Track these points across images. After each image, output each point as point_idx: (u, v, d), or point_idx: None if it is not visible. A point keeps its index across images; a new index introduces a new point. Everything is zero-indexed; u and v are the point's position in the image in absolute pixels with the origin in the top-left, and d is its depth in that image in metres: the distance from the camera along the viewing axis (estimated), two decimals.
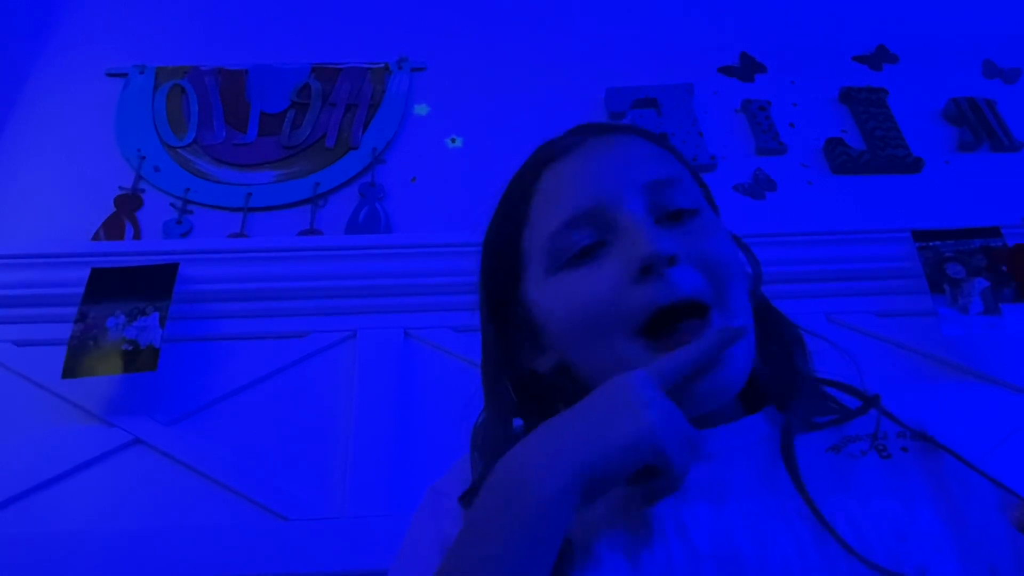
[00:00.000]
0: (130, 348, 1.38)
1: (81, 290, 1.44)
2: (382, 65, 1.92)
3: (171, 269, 1.46)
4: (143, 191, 1.72)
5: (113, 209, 1.68)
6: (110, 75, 1.90)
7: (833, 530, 0.49)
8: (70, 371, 1.36)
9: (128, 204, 1.69)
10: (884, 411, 0.59)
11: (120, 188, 1.71)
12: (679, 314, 0.55)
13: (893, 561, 0.48)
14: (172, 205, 1.70)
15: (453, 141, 1.81)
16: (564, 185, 0.62)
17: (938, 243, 1.52)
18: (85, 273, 1.46)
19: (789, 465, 0.54)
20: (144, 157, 1.76)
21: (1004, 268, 1.48)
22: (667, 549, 0.50)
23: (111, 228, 1.64)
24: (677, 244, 0.56)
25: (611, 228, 0.58)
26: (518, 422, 0.62)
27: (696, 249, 0.57)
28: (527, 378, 0.63)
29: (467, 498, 0.57)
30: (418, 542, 0.60)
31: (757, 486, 0.54)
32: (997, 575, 0.52)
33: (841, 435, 0.58)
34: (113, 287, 1.45)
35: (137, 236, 1.64)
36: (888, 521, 0.51)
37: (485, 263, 0.68)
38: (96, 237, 1.62)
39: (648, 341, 0.56)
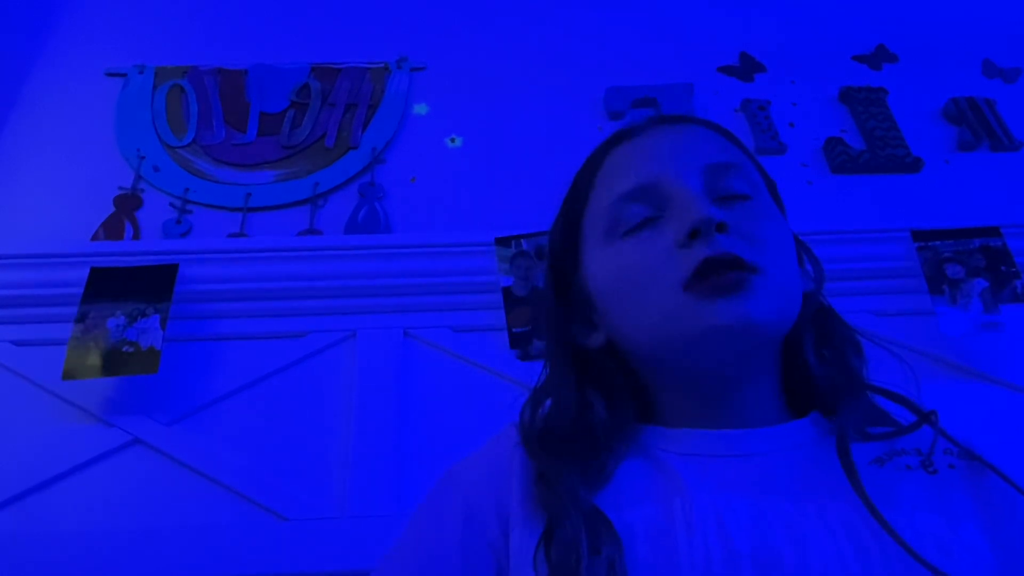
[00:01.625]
0: (131, 350, 1.38)
1: (81, 290, 1.44)
2: (381, 65, 1.92)
3: (171, 270, 1.46)
4: (142, 191, 1.72)
5: (113, 209, 1.68)
6: (109, 75, 1.90)
7: (893, 530, 0.49)
8: (71, 373, 1.36)
9: (128, 204, 1.69)
10: (938, 428, 0.59)
11: (119, 188, 1.71)
12: (724, 268, 0.56)
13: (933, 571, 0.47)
14: (172, 205, 1.70)
15: (453, 141, 1.81)
16: (625, 163, 0.64)
17: (937, 243, 1.52)
18: (85, 273, 1.46)
19: (847, 467, 0.53)
20: (143, 157, 1.76)
21: (1003, 268, 1.48)
22: (706, 547, 0.50)
23: (111, 228, 1.64)
24: (730, 219, 0.57)
25: (666, 203, 0.60)
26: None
27: (747, 228, 0.58)
28: (582, 354, 0.65)
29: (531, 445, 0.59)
30: (440, 513, 0.60)
31: (797, 489, 0.54)
32: None
33: (887, 448, 0.58)
34: (113, 287, 1.45)
35: (136, 236, 1.64)
36: (932, 536, 0.50)
37: (551, 240, 0.71)
38: (96, 237, 1.62)
39: (690, 291, 0.56)
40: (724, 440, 0.58)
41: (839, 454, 0.55)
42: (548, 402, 0.64)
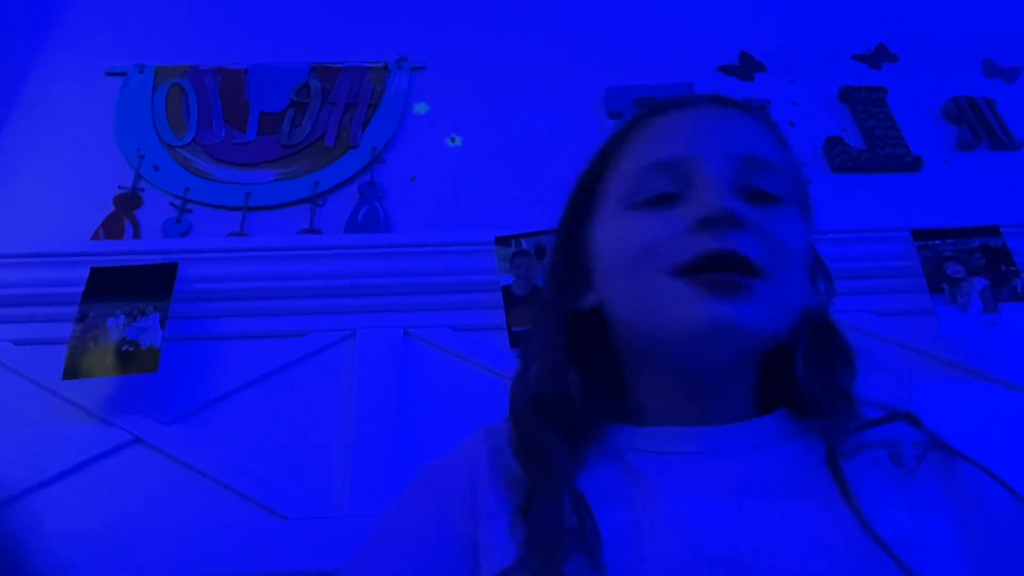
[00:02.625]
0: (131, 349, 1.38)
1: (81, 289, 1.44)
2: (381, 64, 1.92)
3: (171, 269, 1.46)
4: (142, 190, 1.72)
5: (112, 208, 1.68)
6: (109, 74, 1.90)
7: (884, 543, 0.48)
8: (71, 372, 1.36)
9: (127, 203, 1.69)
10: (919, 424, 0.58)
11: (119, 187, 1.71)
12: (728, 266, 0.55)
13: (903, 571, 0.47)
14: (172, 204, 1.70)
15: (453, 140, 1.81)
16: (657, 134, 0.62)
17: (937, 242, 1.52)
18: (85, 272, 1.46)
19: (837, 477, 0.53)
20: (143, 156, 1.76)
21: (1003, 267, 1.48)
22: (667, 548, 0.49)
23: (110, 227, 1.64)
24: (750, 215, 0.56)
25: (689, 182, 0.58)
26: None
27: (766, 229, 0.56)
28: (569, 316, 0.64)
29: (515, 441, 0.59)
30: (412, 508, 0.60)
31: (764, 488, 0.53)
32: None
33: (852, 440, 0.57)
34: (113, 286, 1.45)
35: (136, 235, 1.64)
36: (896, 529, 0.50)
37: (569, 196, 0.69)
38: (96, 236, 1.62)
39: (686, 278, 0.55)
40: (690, 437, 0.57)
41: (829, 467, 0.54)
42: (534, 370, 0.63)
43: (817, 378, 0.61)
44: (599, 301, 0.62)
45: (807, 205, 0.66)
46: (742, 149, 0.59)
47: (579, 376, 0.62)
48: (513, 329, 1.47)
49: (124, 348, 1.38)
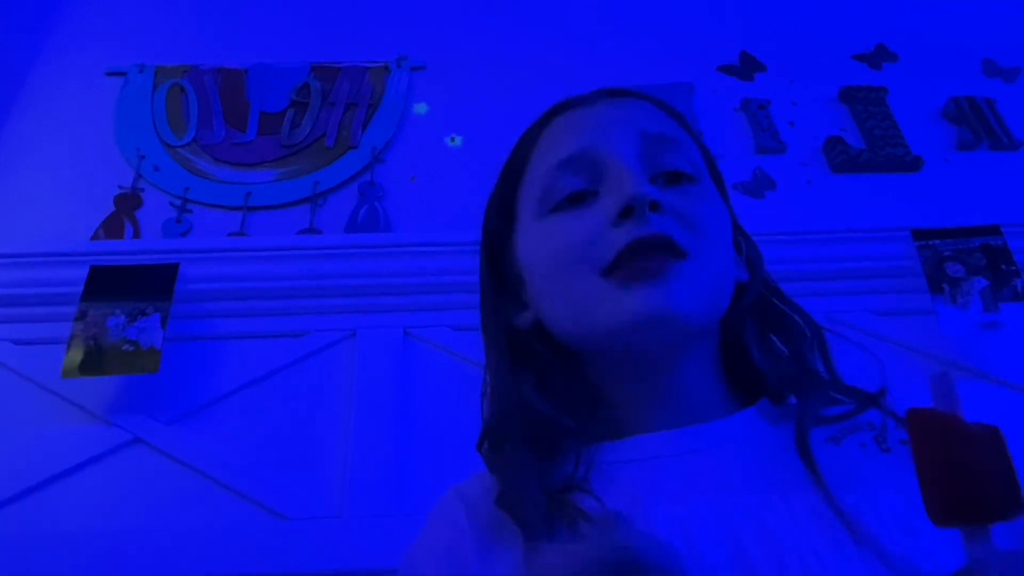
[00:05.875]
0: (131, 349, 1.38)
1: (80, 289, 1.44)
2: (381, 64, 1.92)
3: (171, 269, 1.46)
4: (142, 190, 1.72)
5: (112, 208, 1.68)
6: (109, 74, 1.90)
7: (851, 524, 0.48)
8: (70, 371, 1.36)
9: (127, 203, 1.69)
10: (886, 408, 0.58)
11: (119, 187, 1.71)
12: (652, 250, 0.54)
13: (906, 557, 0.47)
14: (171, 204, 1.70)
15: (452, 140, 1.81)
16: (563, 133, 0.62)
17: (937, 242, 1.52)
18: (84, 272, 1.46)
19: (810, 466, 0.52)
20: (143, 156, 1.76)
21: (1003, 267, 1.48)
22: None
23: (110, 227, 1.64)
24: (666, 199, 0.55)
25: (602, 175, 0.57)
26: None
27: (684, 209, 0.56)
28: (514, 334, 0.62)
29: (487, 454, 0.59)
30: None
31: (758, 482, 0.53)
32: None
33: (838, 425, 0.57)
34: (113, 286, 1.45)
35: (136, 235, 1.64)
36: (896, 516, 0.50)
37: (486, 215, 0.68)
38: (96, 236, 1.62)
39: (614, 274, 0.54)
40: (670, 440, 0.56)
41: (800, 453, 0.53)
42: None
43: (777, 359, 0.60)
44: (535, 317, 0.61)
45: (719, 176, 0.65)
46: (643, 127, 0.59)
47: (532, 379, 0.60)
48: None
49: (124, 348, 1.38)
